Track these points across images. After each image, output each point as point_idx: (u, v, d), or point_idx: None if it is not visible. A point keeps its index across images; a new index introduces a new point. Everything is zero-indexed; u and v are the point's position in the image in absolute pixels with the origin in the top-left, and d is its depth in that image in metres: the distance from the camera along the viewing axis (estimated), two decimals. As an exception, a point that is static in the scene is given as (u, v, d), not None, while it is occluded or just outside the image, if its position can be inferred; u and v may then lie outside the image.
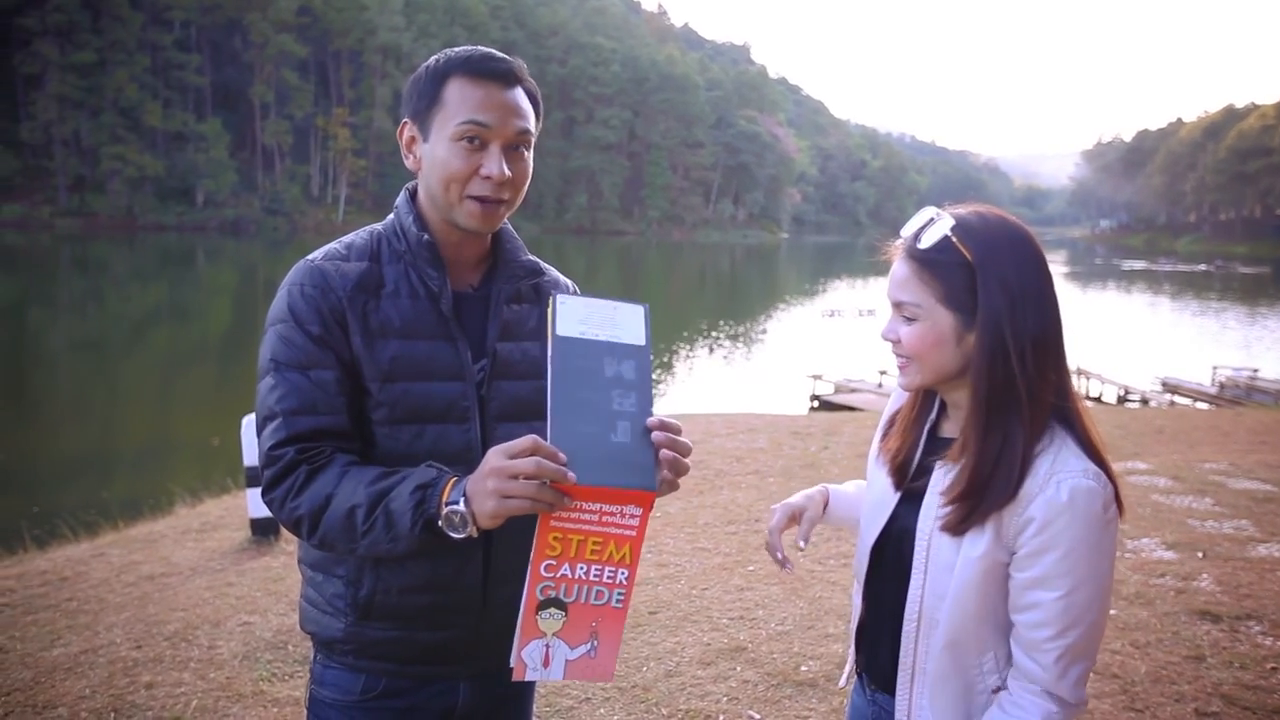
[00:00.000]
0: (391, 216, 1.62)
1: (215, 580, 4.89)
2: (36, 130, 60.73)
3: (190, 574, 5.07)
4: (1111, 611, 4.18)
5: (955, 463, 1.41)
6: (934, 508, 1.43)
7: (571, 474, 1.31)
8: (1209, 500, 6.30)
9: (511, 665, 1.35)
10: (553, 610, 1.35)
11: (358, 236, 1.60)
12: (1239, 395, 19.36)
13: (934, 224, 1.41)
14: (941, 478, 1.43)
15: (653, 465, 1.35)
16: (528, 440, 1.29)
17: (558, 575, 1.34)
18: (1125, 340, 29.00)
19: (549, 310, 1.38)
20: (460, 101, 1.48)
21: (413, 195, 1.62)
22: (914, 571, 1.44)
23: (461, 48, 1.54)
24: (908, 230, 1.45)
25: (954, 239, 1.38)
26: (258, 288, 35.63)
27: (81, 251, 49.83)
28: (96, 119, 61.82)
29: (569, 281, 1.78)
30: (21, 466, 11.83)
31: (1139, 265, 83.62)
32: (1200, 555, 5.02)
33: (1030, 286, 1.36)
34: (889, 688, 1.55)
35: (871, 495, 1.60)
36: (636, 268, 59.39)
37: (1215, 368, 21.55)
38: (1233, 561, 4.91)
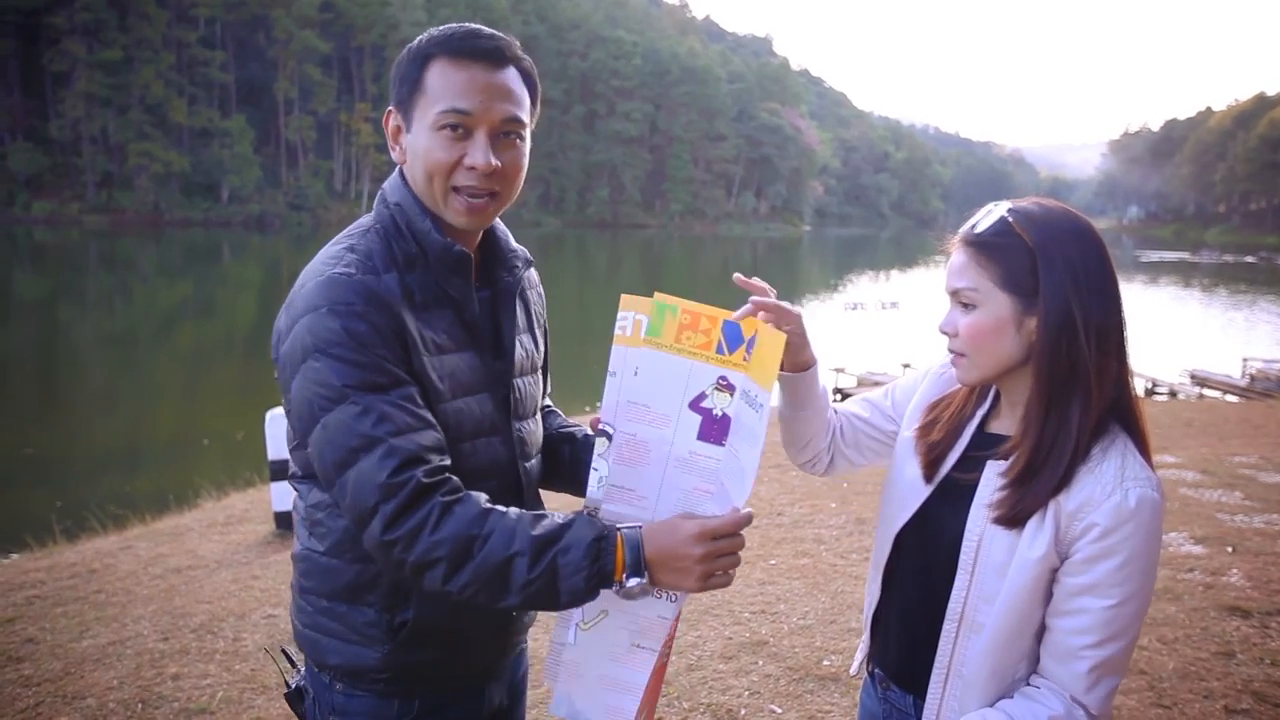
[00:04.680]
0: (388, 214, 1.45)
1: (240, 573, 4.94)
2: (65, 127, 61.53)
3: (216, 567, 5.11)
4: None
5: (1013, 447, 1.38)
6: (984, 505, 1.38)
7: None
8: (1239, 494, 6.22)
9: None
10: None
11: (367, 243, 1.42)
12: (1270, 388, 19.04)
13: (991, 212, 1.40)
14: (994, 474, 1.38)
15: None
16: (730, 521, 1.33)
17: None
18: (1152, 332, 28.62)
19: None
20: (443, 87, 1.36)
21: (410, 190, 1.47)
22: (959, 571, 1.39)
23: (446, 26, 1.42)
24: (966, 226, 1.43)
25: (1011, 221, 1.36)
26: (282, 283, 35.74)
27: (109, 247, 50.39)
28: (123, 116, 62.51)
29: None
30: (51, 460, 11.99)
31: (1178, 256, 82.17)
32: (1230, 550, 4.95)
33: (1094, 271, 1.33)
34: (901, 682, 1.53)
35: (902, 481, 1.55)
36: (659, 262, 59.31)
37: (1245, 360, 21.24)
38: (1263, 556, 4.83)
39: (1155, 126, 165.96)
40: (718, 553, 1.29)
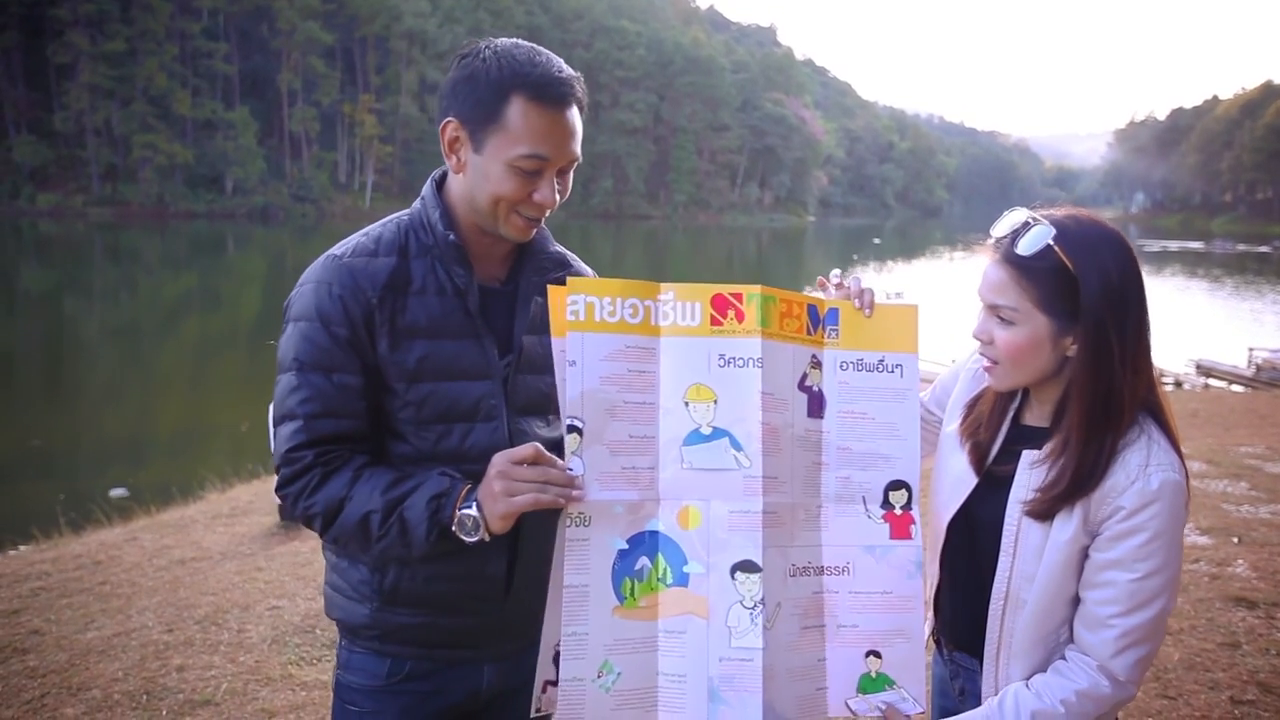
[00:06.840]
0: (418, 206, 1.58)
1: (245, 565, 4.94)
2: (69, 120, 61.40)
3: (220, 558, 5.12)
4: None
5: (1050, 459, 1.44)
6: (1020, 496, 1.47)
7: (573, 471, 1.39)
8: (1244, 484, 6.20)
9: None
10: None
11: (385, 229, 1.56)
12: (1276, 378, 18.99)
13: (1032, 230, 1.41)
14: (1028, 466, 1.47)
15: None
16: (529, 447, 1.39)
17: None
18: (1158, 322, 28.51)
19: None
20: (524, 129, 1.43)
21: (438, 183, 1.59)
22: (1002, 554, 1.49)
23: (521, 50, 1.46)
24: (999, 231, 1.47)
25: (1056, 248, 1.39)
26: (286, 274, 35.84)
27: (114, 239, 50.46)
28: (127, 108, 62.40)
29: (591, 271, 1.76)
30: (57, 452, 12.02)
31: (1182, 245, 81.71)
32: (1236, 540, 4.94)
33: (1129, 288, 1.40)
34: (967, 647, 1.62)
35: (950, 474, 1.62)
36: (663, 253, 59.24)
37: (1251, 349, 21.16)
38: (1269, 547, 4.82)
39: (1161, 115, 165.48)
40: (514, 475, 1.37)
